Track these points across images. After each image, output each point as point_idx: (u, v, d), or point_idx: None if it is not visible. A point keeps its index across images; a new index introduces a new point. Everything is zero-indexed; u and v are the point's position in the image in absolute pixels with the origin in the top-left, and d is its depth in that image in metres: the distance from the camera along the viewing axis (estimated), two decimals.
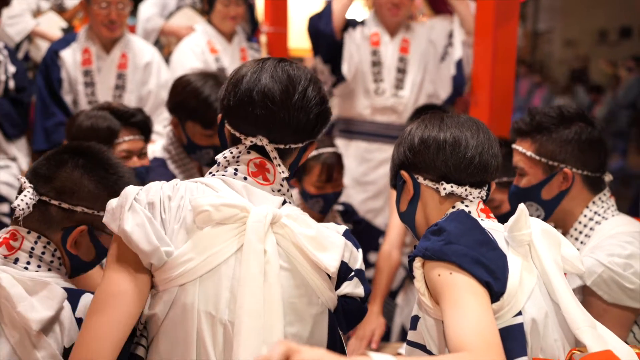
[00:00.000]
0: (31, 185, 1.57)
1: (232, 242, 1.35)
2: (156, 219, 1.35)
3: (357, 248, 1.47)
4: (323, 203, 2.64)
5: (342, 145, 3.46)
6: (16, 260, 1.55)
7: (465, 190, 1.49)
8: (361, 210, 3.32)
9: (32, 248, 1.56)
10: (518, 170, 1.97)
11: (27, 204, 1.54)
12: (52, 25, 3.79)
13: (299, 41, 5.39)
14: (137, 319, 1.35)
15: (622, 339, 1.56)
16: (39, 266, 1.56)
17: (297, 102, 1.42)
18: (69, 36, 3.47)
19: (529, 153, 1.93)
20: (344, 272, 1.42)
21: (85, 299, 1.47)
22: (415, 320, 1.43)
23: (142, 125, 2.32)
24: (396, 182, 1.59)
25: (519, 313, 1.34)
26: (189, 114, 2.41)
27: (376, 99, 3.31)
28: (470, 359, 1.14)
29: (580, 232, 1.90)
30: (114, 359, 1.29)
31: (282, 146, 1.45)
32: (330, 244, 1.37)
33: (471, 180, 1.49)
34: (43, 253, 1.57)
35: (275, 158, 1.44)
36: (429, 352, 1.37)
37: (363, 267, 1.47)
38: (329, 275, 1.40)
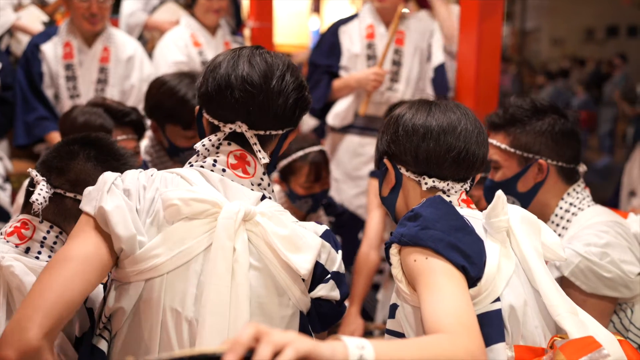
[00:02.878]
0: (44, 178, 1.56)
1: (203, 238, 1.32)
2: (133, 208, 1.32)
3: (337, 250, 1.44)
4: (312, 203, 2.62)
5: (335, 139, 3.45)
6: (27, 250, 1.54)
7: (448, 184, 1.47)
8: (352, 205, 3.31)
9: (44, 237, 1.55)
10: (493, 163, 1.97)
11: (44, 197, 1.53)
12: (34, 19, 3.74)
13: (284, 37, 5.39)
14: (91, 289, 1.28)
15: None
16: (49, 256, 1.54)
17: (275, 86, 1.40)
18: (49, 30, 3.42)
19: (503, 146, 1.93)
20: (320, 274, 1.39)
21: (95, 290, 1.44)
22: (393, 308, 1.41)
23: (135, 125, 2.29)
24: (379, 167, 1.57)
25: (497, 299, 1.33)
26: (167, 115, 2.35)
27: (372, 94, 3.26)
28: (446, 340, 1.12)
29: (557, 225, 1.91)
30: (58, 315, 1.20)
31: (262, 132, 1.43)
32: (305, 244, 1.33)
33: (454, 176, 1.48)
34: (55, 243, 1.57)
35: (256, 144, 1.42)
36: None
37: (342, 270, 1.44)
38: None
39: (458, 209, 1.44)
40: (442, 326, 1.15)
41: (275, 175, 2.67)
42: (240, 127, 1.41)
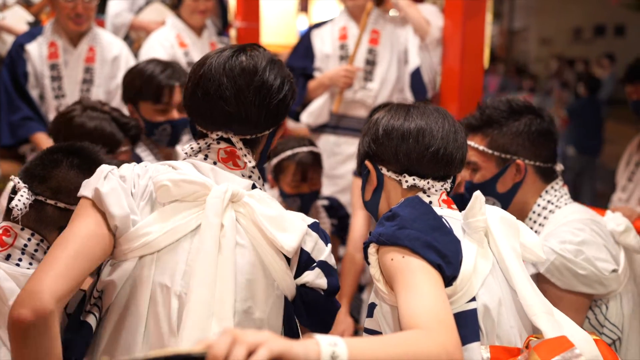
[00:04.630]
0: (25, 185, 1.58)
1: (192, 218, 1.37)
2: (128, 191, 1.38)
3: (326, 242, 1.46)
4: (300, 202, 2.64)
5: (311, 138, 3.45)
6: (8, 257, 1.55)
7: (428, 183, 1.49)
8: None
9: (25, 245, 1.56)
10: (471, 165, 1.98)
11: (24, 204, 1.55)
12: (19, 20, 3.73)
13: (271, 37, 5.39)
14: (97, 262, 1.34)
15: (578, 324, 1.58)
16: (30, 264, 1.55)
17: (252, 98, 1.42)
18: (34, 30, 3.41)
19: (481, 147, 1.94)
20: (305, 262, 1.42)
21: (76, 297, 1.46)
22: (371, 307, 1.43)
23: (134, 138, 2.30)
24: (361, 171, 1.59)
25: (473, 299, 1.35)
26: (138, 94, 2.54)
27: (345, 92, 3.30)
28: (421, 335, 1.13)
29: (535, 222, 1.93)
30: (67, 286, 1.26)
31: (248, 137, 1.47)
32: (291, 225, 1.37)
33: (434, 174, 1.49)
34: (36, 250, 1.57)
35: (242, 149, 1.46)
36: None
37: (331, 262, 1.45)
38: (289, 261, 1.40)
39: (438, 209, 1.45)
40: (418, 323, 1.17)
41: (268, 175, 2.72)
42: (227, 134, 1.46)
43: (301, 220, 1.42)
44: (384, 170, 1.52)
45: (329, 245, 1.47)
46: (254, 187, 1.46)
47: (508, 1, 16.97)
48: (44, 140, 3.08)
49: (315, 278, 1.42)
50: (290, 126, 4.57)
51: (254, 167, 1.48)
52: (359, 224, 2.78)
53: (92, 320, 1.38)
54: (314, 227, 1.45)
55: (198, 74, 1.45)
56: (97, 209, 1.35)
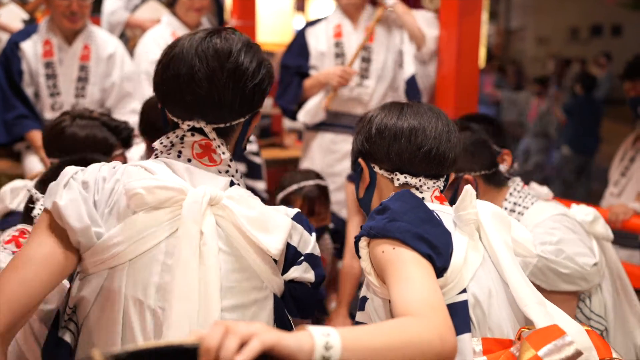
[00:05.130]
0: (43, 195, 1.62)
1: (166, 225, 1.30)
2: (89, 200, 1.30)
3: (310, 232, 1.44)
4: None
5: (308, 137, 3.47)
6: None
7: (420, 180, 1.50)
8: None
9: None
10: None
11: None
12: (14, 18, 3.73)
13: (267, 35, 5.38)
14: (49, 290, 1.27)
15: None
16: None
17: (226, 81, 1.35)
18: (29, 27, 3.40)
19: None
20: (292, 256, 1.40)
21: (51, 313, 1.44)
22: (363, 301, 1.43)
23: (126, 141, 2.28)
24: (355, 168, 1.60)
25: (464, 291, 1.35)
26: (158, 133, 2.34)
27: (341, 90, 3.30)
28: (415, 321, 1.12)
29: None
30: (13, 318, 1.20)
31: (222, 125, 1.40)
32: (274, 225, 1.32)
33: (426, 172, 1.50)
34: None
35: (215, 139, 1.40)
36: None
37: (316, 252, 1.44)
38: (275, 259, 1.38)
39: (429, 204, 1.46)
40: (410, 310, 1.16)
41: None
42: (199, 123, 1.39)
43: (284, 216, 1.38)
44: (376, 169, 1.53)
45: (313, 234, 1.45)
46: (232, 184, 1.41)
47: (505, 0, 17.00)
48: (39, 138, 3.07)
49: (303, 272, 1.41)
50: (286, 125, 4.58)
51: (230, 160, 1.42)
52: (355, 231, 2.80)
53: (68, 337, 1.34)
54: (297, 218, 1.42)
55: (169, 56, 1.37)
56: (55, 226, 1.28)
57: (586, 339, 1.33)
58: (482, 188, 1.98)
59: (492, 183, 1.99)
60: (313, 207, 2.58)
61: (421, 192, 1.50)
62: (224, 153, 1.40)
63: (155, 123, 2.31)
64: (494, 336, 1.37)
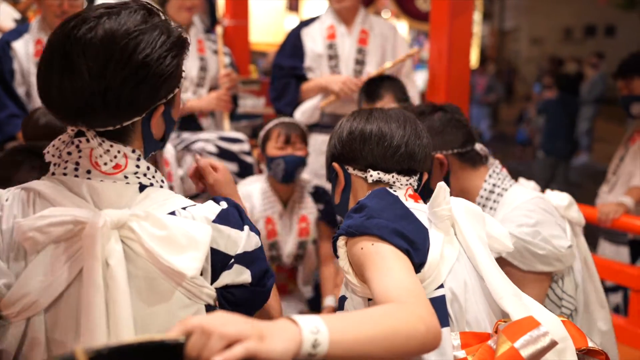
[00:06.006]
0: None
1: (73, 262, 1.17)
2: None
3: (241, 227, 1.29)
4: (284, 166, 2.77)
5: None
6: None
7: (393, 177, 1.53)
8: None
9: None
10: None
11: None
12: (5, 17, 3.72)
13: (260, 35, 5.39)
14: None
15: (540, 301, 1.71)
16: None
17: (100, 81, 1.14)
18: (21, 27, 3.39)
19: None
20: (221, 262, 1.26)
21: None
22: (342, 300, 1.45)
23: None
24: (330, 174, 1.64)
25: (441, 286, 1.38)
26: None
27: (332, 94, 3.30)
28: (398, 308, 1.13)
29: (484, 206, 1.99)
30: None
31: (111, 128, 1.22)
32: (189, 241, 1.18)
33: (398, 167, 1.54)
34: None
35: (101, 144, 1.22)
36: None
37: (250, 247, 1.29)
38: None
39: (404, 202, 1.48)
40: (392, 298, 1.17)
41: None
42: (81, 127, 1.22)
43: (201, 227, 1.21)
44: (350, 170, 1.57)
45: (245, 227, 1.29)
46: (142, 188, 1.26)
47: (498, 1, 17.03)
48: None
49: (235, 276, 1.27)
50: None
51: (138, 159, 1.26)
52: (328, 273, 2.92)
53: None
54: (221, 217, 1.27)
55: (44, 55, 1.19)
56: None
57: (562, 329, 1.35)
58: (457, 165, 2.00)
59: (467, 162, 2.01)
60: (289, 136, 2.81)
61: (395, 190, 1.53)
62: (105, 164, 1.23)
63: None
64: (472, 330, 1.39)
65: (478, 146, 2.07)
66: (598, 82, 10.36)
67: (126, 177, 1.25)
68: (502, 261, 1.82)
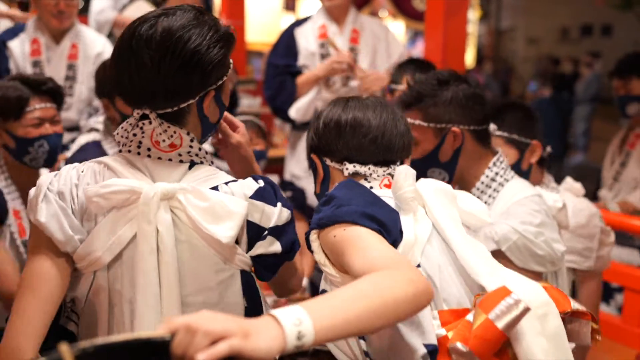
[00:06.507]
0: None
1: (130, 226, 1.36)
2: (68, 210, 1.37)
3: (274, 204, 1.42)
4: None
5: (294, 137, 3.48)
6: None
7: (369, 169, 1.54)
8: (314, 201, 3.33)
9: None
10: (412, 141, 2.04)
11: None
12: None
13: (257, 34, 5.40)
14: (61, 299, 1.38)
15: None
16: None
17: (158, 62, 1.33)
18: (17, 27, 3.41)
19: (417, 122, 1.99)
20: (255, 233, 1.41)
21: None
22: (323, 294, 1.42)
23: (52, 93, 2.32)
24: (310, 165, 1.65)
25: (417, 266, 1.38)
26: (113, 88, 2.38)
27: (327, 90, 3.32)
28: (380, 276, 1.14)
29: (483, 192, 1.99)
30: (42, 333, 1.33)
31: (169, 110, 1.40)
32: (227, 213, 1.34)
33: (375, 159, 1.54)
34: None
35: (162, 124, 1.40)
36: None
37: (281, 221, 1.42)
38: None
39: (378, 191, 1.50)
40: (375, 268, 1.17)
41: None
42: (145, 110, 1.40)
43: (238, 201, 1.37)
44: (327, 161, 1.58)
45: (278, 204, 1.42)
46: (192, 165, 1.43)
47: (495, 1, 17.04)
48: None
49: (268, 247, 1.41)
50: (277, 122, 4.59)
51: (192, 140, 1.43)
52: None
53: (72, 326, 1.43)
54: (257, 194, 1.41)
55: (118, 42, 1.40)
56: (47, 238, 1.37)
57: (543, 294, 1.35)
58: (469, 142, 1.98)
59: (479, 140, 2.00)
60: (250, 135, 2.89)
61: (369, 182, 1.53)
62: (163, 141, 1.40)
63: (105, 79, 2.52)
64: (450, 307, 1.40)
65: (492, 126, 2.08)
66: (593, 82, 10.38)
67: (180, 155, 1.43)
68: (498, 254, 1.82)
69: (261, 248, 1.41)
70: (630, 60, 3.53)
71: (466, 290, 1.44)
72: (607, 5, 13.28)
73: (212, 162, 1.48)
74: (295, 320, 0.99)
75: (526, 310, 1.26)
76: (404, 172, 1.47)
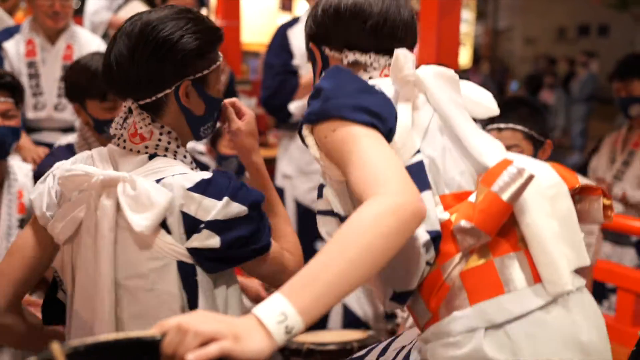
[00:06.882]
0: None
1: (82, 209, 1.45)
2: (53, 190, 1.51)
3: (218, 197, 1.38)
4: (237, 163, 2.93)
5: (288, 136, 3.49)
6: None
7: (370, 57, 1.46)
8: (306, 199, 3.36)
9: None
10: (512, 148, 2.06)
11: None
12: None
13: (252, 35, 5.41)
14: (37, 268, 1.56)
15: None
16: None
17: (128, 58, 1.41)
18: (12, 27, 3.41)
19: (520, 127, 2.13)
20: (191, 225, 1.38)
21: None
22: (320, 188, 1.39)
23: (10, 87, 2.28)
24: (309, 57, 1.57)
25: (418, 152, 1.30)
26: (83, 91, 2.36)
27: None
28: (357, 219, 1.10)
29: None
30: (14, 292, 1.53)
31: (148, 100, 1.45)
32: (150, 203, 1.36)
33: (377, 47, 1.46)
34: None
35: (141, 114, 1.47)
36: (337, 215, 1.34)
37: (224, 216, 1.38)
38: (168, 230, 1.39)
39: (377, 80, 1.41)
40: (362, 191, 1.15)
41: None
42: (129, 102, 1.49)
43: (164, 192, 1.37)
44: (327, 51, 1.50)
45: (224, 198, 1.38)
46: (152, 157, 1.46)
47: (492, 1, 17.07)
48: (23, 137, 3.08)
49: (204, 240, 1.38)
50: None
51: (161, 134, 1.47)
52: None
53: (61, 295, 1.58)
54: (198, 186, 1.39)
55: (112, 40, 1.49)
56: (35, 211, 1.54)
57: (553, 174, 1.31)
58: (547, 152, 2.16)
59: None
60: None
61: (369, 72, 1.46)
62: (141, 127, 1.48)
63: (75, 83, 2.40)
64: (452, 191, 1.33)
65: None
66: (588, 81, 10.40)
67: (146, 148, 1.47)
68: None
69: (197, 241, 1.38)
70: (630, 62, 3.49)
71: (472, 173, 1.36)
72: (604, 5, 13.31)
73: (184, 157, 1.50)
74: (279, 317, 0.98)
75: (530, 177, 1.21)
76: (403, 54, 1.36)
